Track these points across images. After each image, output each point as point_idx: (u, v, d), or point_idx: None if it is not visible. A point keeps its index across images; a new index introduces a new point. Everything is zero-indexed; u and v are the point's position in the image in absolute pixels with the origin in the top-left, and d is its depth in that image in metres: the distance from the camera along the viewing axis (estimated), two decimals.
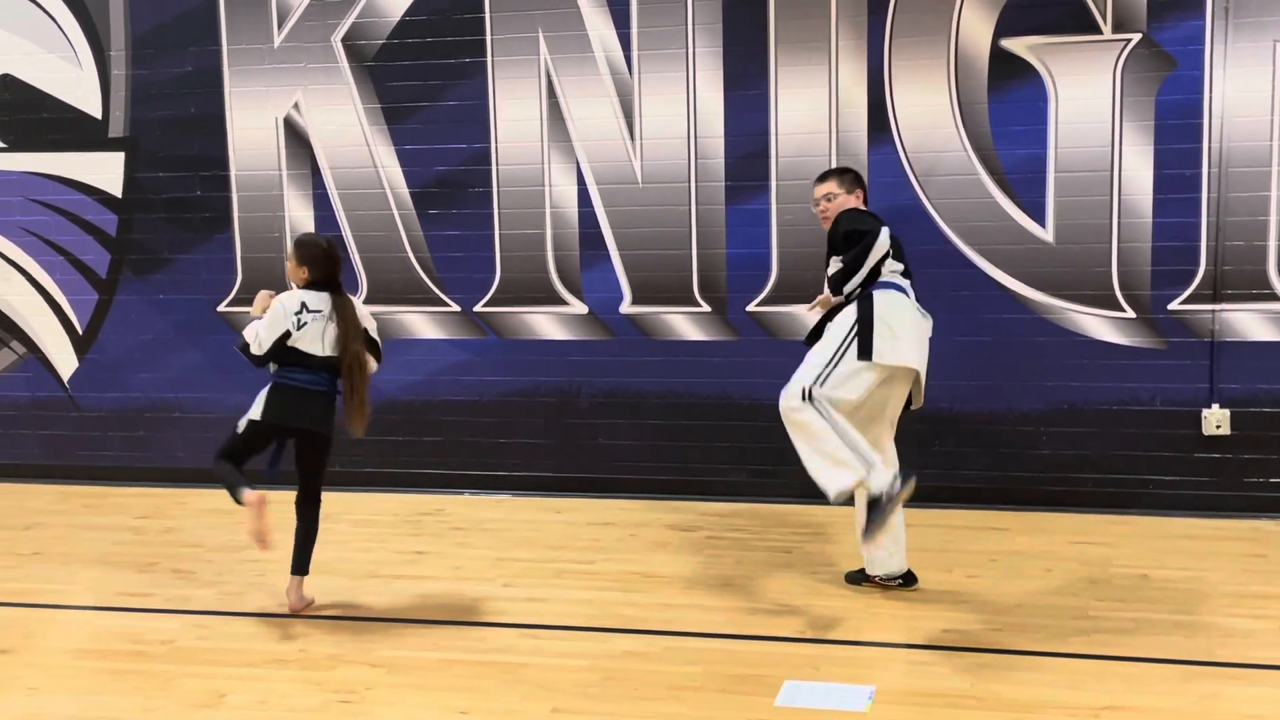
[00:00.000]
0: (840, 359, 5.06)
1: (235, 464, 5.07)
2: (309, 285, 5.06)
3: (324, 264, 5.06)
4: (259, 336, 5.02)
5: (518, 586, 5.48)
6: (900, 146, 6.40)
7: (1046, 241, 6.33)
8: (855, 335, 5.06)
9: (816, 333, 5.28)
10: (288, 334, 4.99)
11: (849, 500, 5.15)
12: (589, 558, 5.88)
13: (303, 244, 5.10)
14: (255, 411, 5.04)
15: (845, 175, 5.38)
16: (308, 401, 5.03)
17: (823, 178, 5.39)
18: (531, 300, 6.94)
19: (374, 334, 5.17)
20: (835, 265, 5.18)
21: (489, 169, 6.89)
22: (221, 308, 7.31)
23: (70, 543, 6.34)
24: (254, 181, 7.18)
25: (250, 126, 7.14)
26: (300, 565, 5.19)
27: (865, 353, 5.05)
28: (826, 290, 5.29)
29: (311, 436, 5.10)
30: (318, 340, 5.01)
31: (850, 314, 5.10)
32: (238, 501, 5.01)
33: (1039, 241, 6.33)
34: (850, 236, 5.15)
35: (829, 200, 5.29)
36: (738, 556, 5.83)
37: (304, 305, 4.99)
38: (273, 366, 5.08)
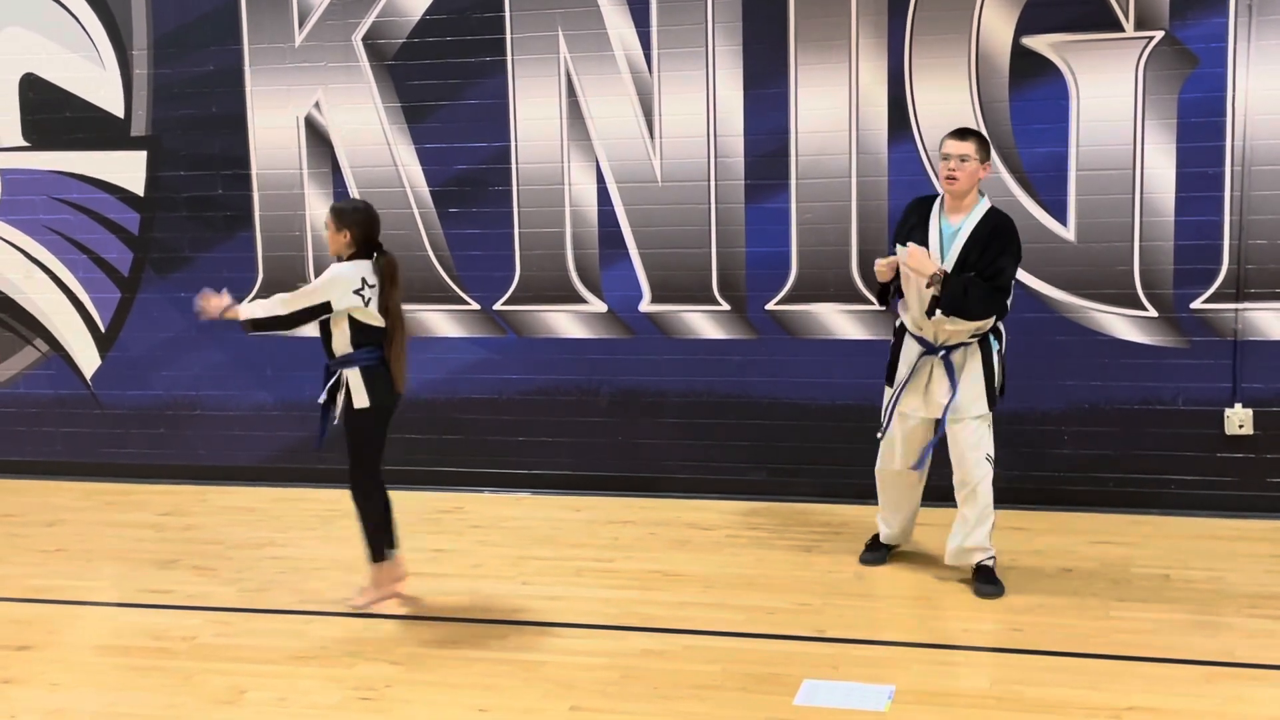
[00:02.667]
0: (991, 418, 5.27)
1: (376, 469, 5.10)
2: (354, 253, 5.03)
3: (366, 225, 5.04)
4: (292, 297, 4.94)
5: (537, 584, 5.49)
6: (921, 145, 6.37)
7: (1068, 240, 6.30)
8: (988, 385, 5.19)
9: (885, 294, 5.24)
10: (328, 306, 4.95)
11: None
12: (608, 556, 5.88)
13: (342, 208, 5.09)
14: (359, 399, 5.01)
15: (984, 142, 5.10)
16: (390, 372, 5.09)
17: (963, 135, 5.08)
18: (551, 299, 6.95)
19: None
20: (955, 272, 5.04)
21: (509, 168, 6.90)
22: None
23: (92, 539, 6.38)
24: (275, 180, 7.20)
25: (271, 125, 7.16)
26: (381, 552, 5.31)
27: (993, 402, 5.25)
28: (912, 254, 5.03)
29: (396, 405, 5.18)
30: (376, 313, 5.04)
31: (976, 362, 5.15)
32: (373, 561, 5.09)
33: (1060, 240, 6.30)
34: (1008, 253, 5.07)
35: (963, 161, 5.02)
36: (757, 555, 5.82)
37: (364, 281, 4.99)
38: (347, 349, 5.00)
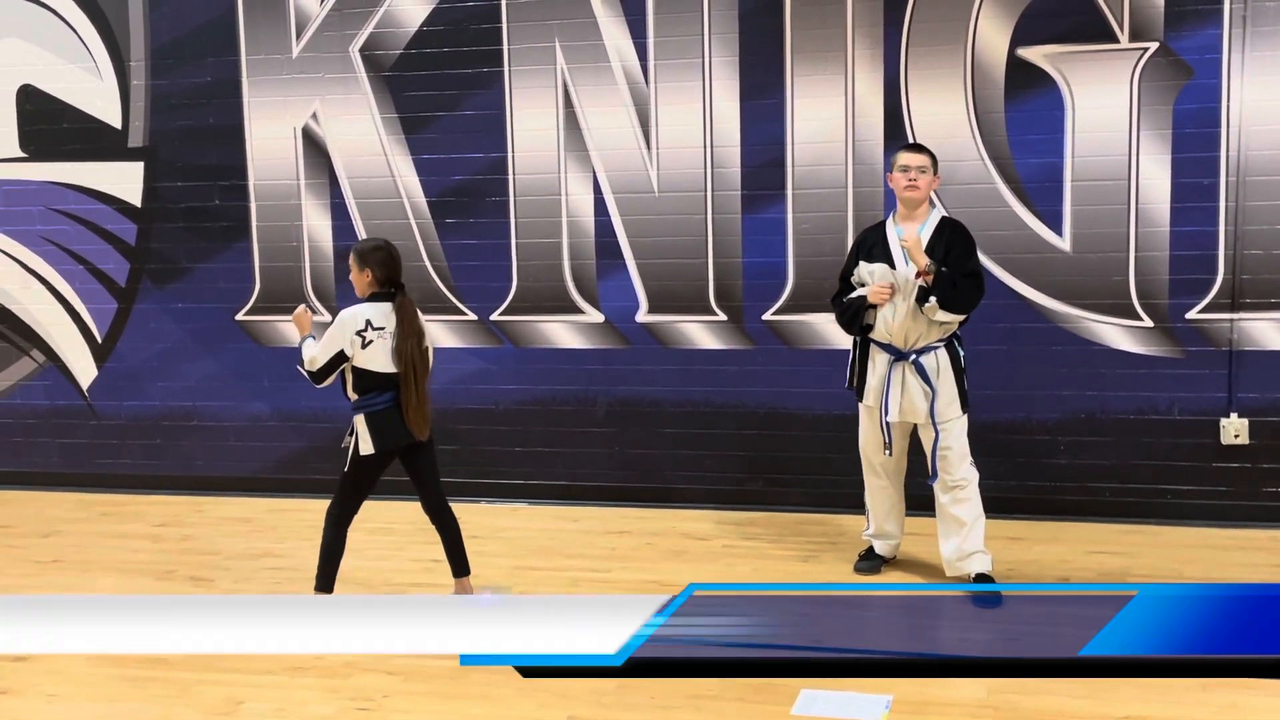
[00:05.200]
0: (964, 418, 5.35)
1: (352, 512, 5.10)
2: (374, 293, 5.02)
3: (388, 264, 5.03)
4: (314, 354, 4.98)
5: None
6: None
7: (1064, 250, 6.32)
8: (960, 386, 5.30)
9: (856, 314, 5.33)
10: (343, 354, 4.94)
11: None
12: (605, 566, 5.88)
13: (362, 249, 5.08)
14: (364, 446, 5.00)
15: (934, 155, 5.37)
16: (403, 416, 5.01)
17: (918, 148, 5.37)
18: (548, 309, 6.95)
19: (427, 340, 5.15)
20: (925, 273, 5.14)
21: (506, 178, 6.91)
22: (239, 317, 7.34)
23: (89, 550, 6.37)
24: (272, 191, 7.21)
25: (268, 136, 7.17)
26: (460, 568, 5.26)
27: (966, 404, 5.34)
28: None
29: (417, 446, 5.11)
30: (388, 357, 4.98)
31: (948, 365, 5.27)
32: (317, 590, 5.09)
33: (1056, 250, 6.32)
34: (972, 251, 5.28)
35: (922, 173, 5.27)
36: (754, 565, 5.82)
37: (368, 323, 4.95)
38: (354, 395, 5.03)
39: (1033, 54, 6.26)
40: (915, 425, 5.38)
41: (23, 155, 7.51)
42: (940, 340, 5.28)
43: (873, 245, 5.36)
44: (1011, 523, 6.26)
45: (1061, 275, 6.32)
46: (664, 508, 6.81)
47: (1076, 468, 6.41)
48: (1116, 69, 6.17)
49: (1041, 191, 6.30)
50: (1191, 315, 6.22)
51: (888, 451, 5.41)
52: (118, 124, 7.37)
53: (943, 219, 5.35)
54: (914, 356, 5.27)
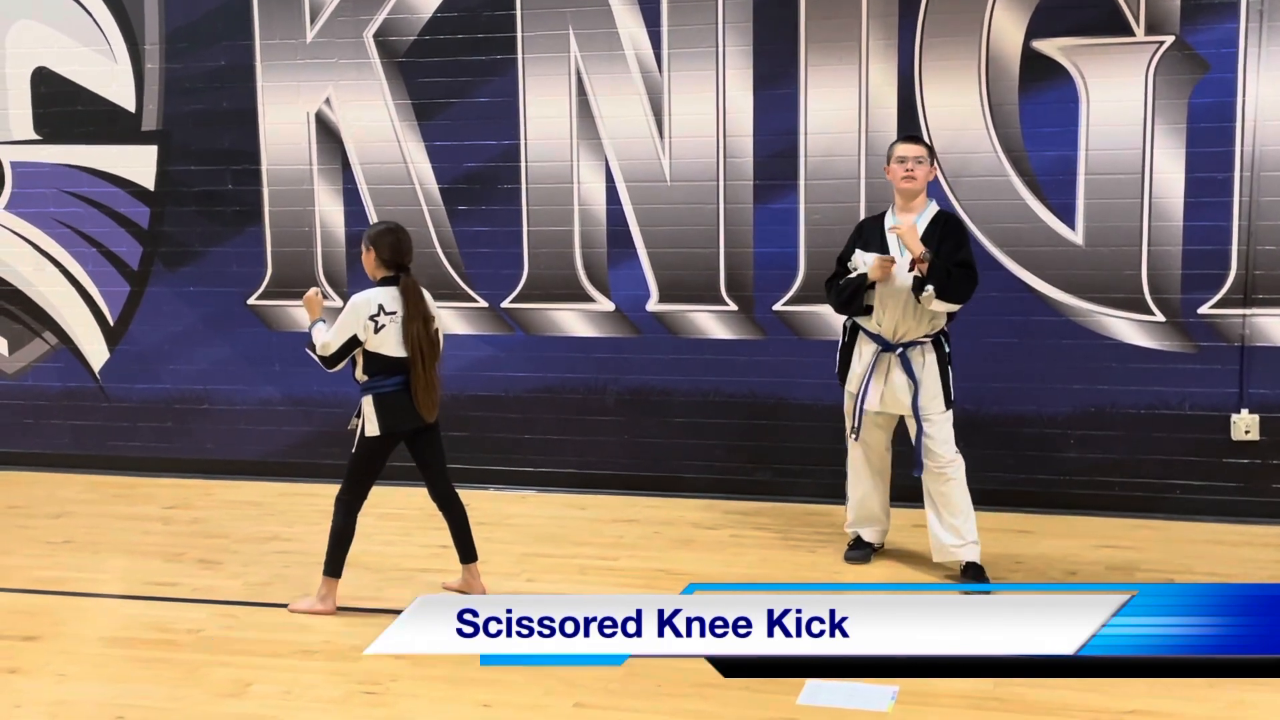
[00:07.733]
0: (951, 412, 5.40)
1: (361, 496, 5.12)
2: (385, 277, 5.04)
3: (395, 246, 5.03)
4: (327, 339, 5.00)
5: (541, 582, 5.50)
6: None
7: (1076, 244, 6.30)
8: (944, 381, 5.33)
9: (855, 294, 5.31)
10: (357, 339, 4.96)
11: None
12: (613, 554, 5.89)
13: (370, 230, 5.12)
14: (370, 427, 5.02)
15: (931, 146, 5.44)
16: (412, 399, 5.03)
17: (914, 139, 5.44)
18: (559, 297, 6.96)
19: (436, 323, 5.16)
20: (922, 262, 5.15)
21: (518, 166, 6.91)
22: (251, 301, 7.35)
23: (99, 532, 6.40)
24: (285, 176, 7.22)
25: (282, 121, 7.18)
26: (468, 554, 5.27)
27: (950, 399, 5.36)
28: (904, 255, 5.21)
29: (423, 431, 5.13)
30: (399, 341, 5.00)
31: (934, 361, 5.30)
32: (326, 574, 5.09)
33: (1069, 244, 6.30)
34: (966, 243, 5.30)
35: (919, 164, 5.30)
36: (761, 555, 5.83)
37: (381, 308, 4.97)
38: (363, 376, 5.05)
39: (1048, 46, 6.24)
40: (900, 417, 5.41)
41: (37, 138, 7.53)
42: (928, 335, 5.31)
43: (869, 236, 5.40)
44: (1020, 516, 6.26)
45: (1073, 269, 6.31)
46: (672, 496, 6.82)
47: (1086, 461, 6.41)
48: (1132, 62, 6.15)
49: (1055, 184, 6.29)
50: (1204, 310, 6.21)
51: (853, 436, 5.46)
52: (131, 107, 7.38)
53: (938, 212, 5.39)
54: (900, 350, 5.30)
